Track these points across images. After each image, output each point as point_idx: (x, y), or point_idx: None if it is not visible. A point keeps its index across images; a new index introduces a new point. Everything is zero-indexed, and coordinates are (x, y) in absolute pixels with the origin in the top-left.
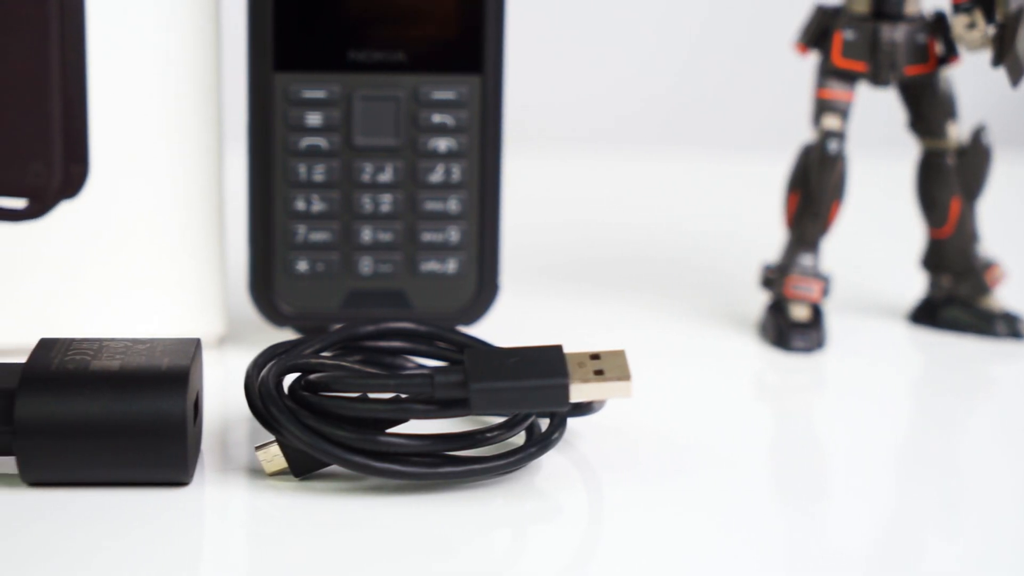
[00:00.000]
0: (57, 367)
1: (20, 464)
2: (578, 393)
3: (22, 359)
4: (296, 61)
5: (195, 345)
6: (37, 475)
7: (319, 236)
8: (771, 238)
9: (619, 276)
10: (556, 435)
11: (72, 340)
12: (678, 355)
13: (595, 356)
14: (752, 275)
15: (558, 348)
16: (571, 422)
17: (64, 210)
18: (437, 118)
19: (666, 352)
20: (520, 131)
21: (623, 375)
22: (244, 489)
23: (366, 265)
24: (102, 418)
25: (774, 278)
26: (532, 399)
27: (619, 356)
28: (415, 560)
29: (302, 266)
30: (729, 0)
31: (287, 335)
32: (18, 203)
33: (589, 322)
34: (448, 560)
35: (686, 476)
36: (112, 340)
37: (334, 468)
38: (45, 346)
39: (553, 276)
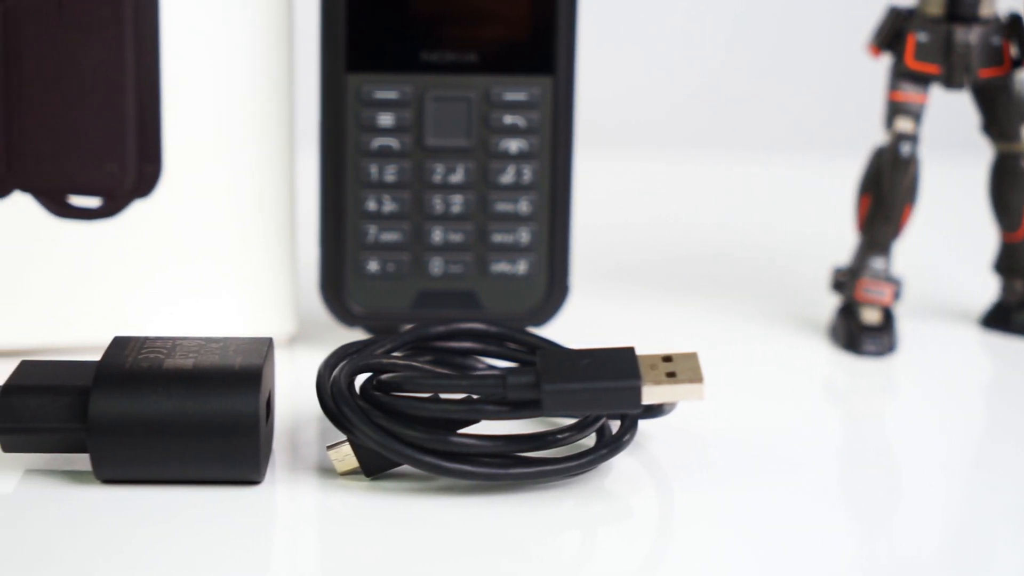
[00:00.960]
0: (131, 365)
1: (94, 461)
2: (650, 395)
3: (96, 357)
4: (368, 62)
5: (268, 344)
6: (110, 472)
7: (390, 236)
8: (842, 241)
9: (688, 278)
10: (627, 437)
11: (146, 339)
12: (748, 358)
13: (667, 358)
14: (823, 278)
15: (630, 350)
16: (641, 424)
17: (137, 209)
18: (509, 119)
19: (736, 354)
20: (590, 132)
21: (695, 377)
22: (315, 488)
23: (436, 266)
24: (175, 416)
25: (845, 281)
26: (604, 401)
27: (691, 358)
28: (485, 560)
29: (373, 266)
30: (806, 1)
31: (357, 335)
32: (92, 202)
33: (659, 324)
34: (518, 561)
35: (756, 480)
36: (185, 339)
37: (405, 468)
38: (119, 344)
39: (623, 278)
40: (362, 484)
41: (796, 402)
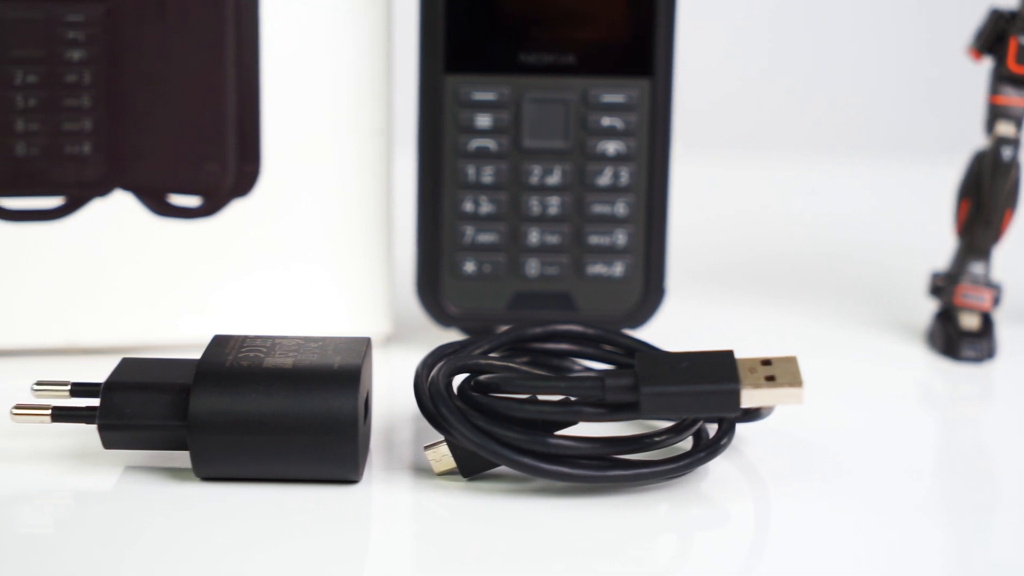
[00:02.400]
0: (231, 364)
1: (193, 458)
2: (749, 399)
3: (196, 355)
4: (467, 63)
5: (366, 344)
6: (210, 470)
7: (486, 237)
8: (941, 245)
9: (785, 282)
10: (725, 441)
11: (246, 337)
12: (845, 362)
13: (766, 362)
14: (921, 283)
15: (729, 353)
16: (738, 428)
17: (236, 209)
18: (606, 121)
19: (833, 359)
20: (687, 134)
21: (795, 382)
22: (412, 488)
23: (533, 267)
24: (275, 415)
25: (944, 286)
26: (703, 404)
27: (791, 362)
28: (581, 562)
29: (469, 267)
30: (897, 3)
31: (453, 336)
32: (192, 201)
33: (755, 328)
34: (614, 564)
35: (853, 485)
36: (284, 338)
37: (502, 469)
38: (219, 343)
39: (719, 281)
40: (459, 484)
41: (893, 408)
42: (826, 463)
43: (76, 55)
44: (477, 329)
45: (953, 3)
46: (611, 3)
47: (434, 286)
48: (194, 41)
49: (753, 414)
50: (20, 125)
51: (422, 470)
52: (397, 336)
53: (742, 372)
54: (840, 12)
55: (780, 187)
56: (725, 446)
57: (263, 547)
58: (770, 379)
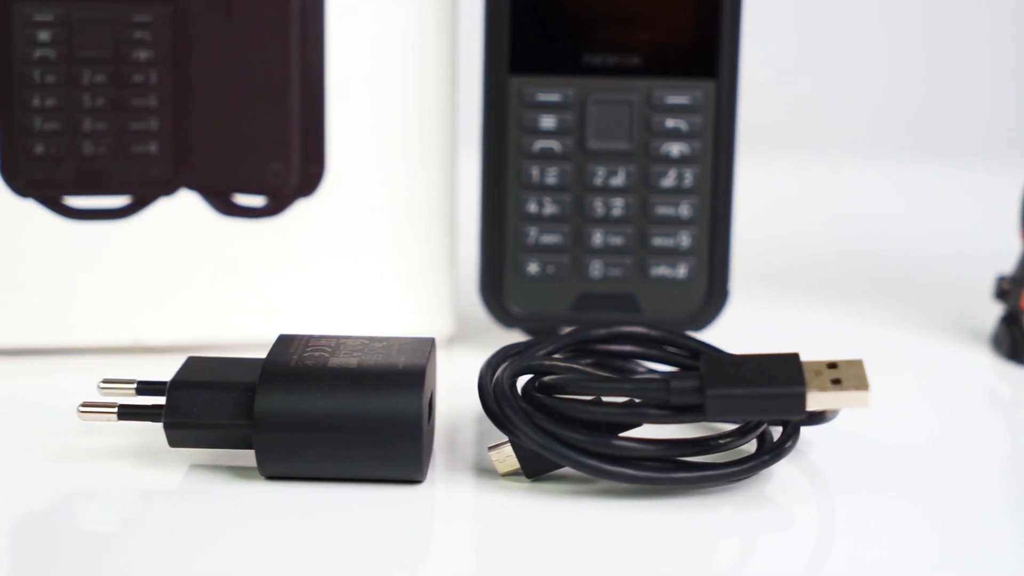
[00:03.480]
0: (296, 363)
1: (259, 457)
2: (815, 402)
3: (259, 354)
4: (531, 64)
5: (430, 344)
6: (275, 469)
7: (550, 238)
8: (1007, 249)
9: (849, 285)
10: (789, 443)
11: (310, 337)
12: (910, 366)
13: (832, 365)
14: (986, 286)
15: (795, 356)
16: (802, 431)
17: (301, 209)
18: (671, 122)
19: (897, 362)
20: (751, 136)
21: (861, 385)
22: (476, 489)
23: (596, 268)
24: (339, 415)
25: (1009, 290)
26: (768, 406)
27: (857, 366)
28: (643, 564)
29: (533, 268)
30: (970, 4)
31: (515, 336)
32: (257, 201)
33: (818, 330)
34: (676, 566)
35: (918, 490)
36: (349, 338)
37: (566, 470)
38: (284, 342)
39: (782, 283)
40: (523, 485)
41: (959, 412)
42: (891, 467)
43: (143, 55)
44: (540, 330)
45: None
46: (676, 4)
47: (497, 287)
48: (260, 41)
49: (818, 417)
50: (88, 124)
51: (485, 471)
52: (460, 336)
53: (808, 375)
54: (910, 12)
55: (845, 189)
56: (790, 449)
57: (326, 546)
58: (836, 382)
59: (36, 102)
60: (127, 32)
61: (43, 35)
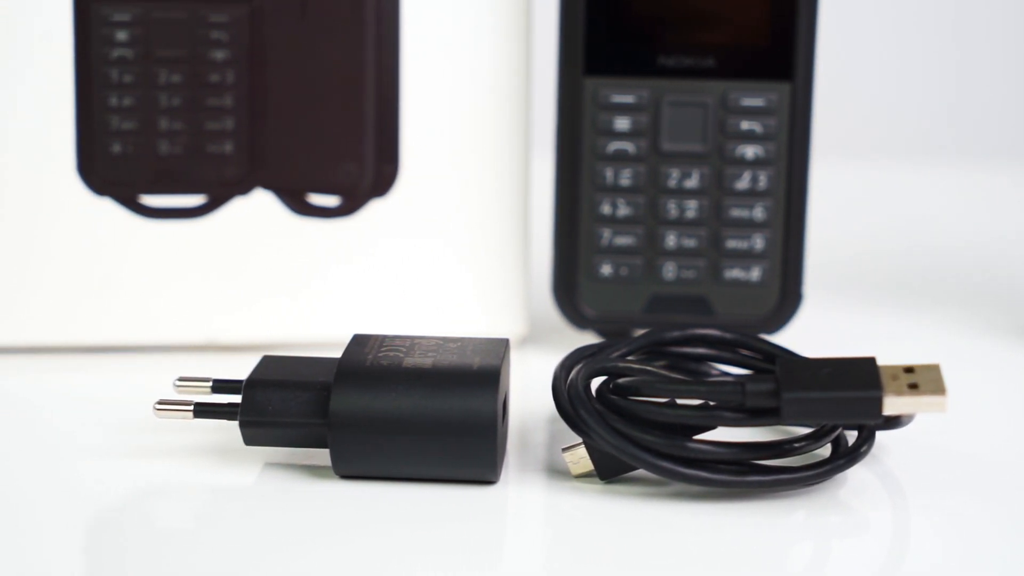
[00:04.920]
0: (371, 363)
1: (333, 457)
2: (891, 406)
3: (332, 354)
4: (606, 66)
5: (505, 345)
6: (349, 468)
7: (624, 240)
8: None
9: (921, 289)
10: (865, 448)
11: (385, 337)
12: (985, 371)
13: (909, 369)
14: None
15: (871, 360)
16: (877, 435)
17: (374, 209)
18: (745, 125)
19: (974, 367)
20: (826, 138)
21: (938, 390)
22: (549, 490)
23: (669, 270)
24: (414, 415)
25: None
26: (844, 411)
27: (934, 370)
28: (716, 568)
29: (606, 270)
30: None
31: (587, 338)
32: (331, 201)
33: (892, 334)
34: (749, 571)
35: (993, 496)
36: (423, 338)
37: (639, 472)
38: (359, 342)
39: (855, 287)
40: (596, 487)
41: None
42: (967, 473)
43: (219, 55)
44: (612, 332)
45: None
46: (752, 6)
47: (570, 288)
48: (335, 41)
49: (893, 422)
50: (164, 124)
51: (557, 472)
52: (532, 337)
53: (884, 379)
54: (989, 13)
55: (919, 192)
56: (865, 453)
57: (399, 546)
58: (913, 387)
59: (113, 101)
60: (204, 32)
61: (121, 35)
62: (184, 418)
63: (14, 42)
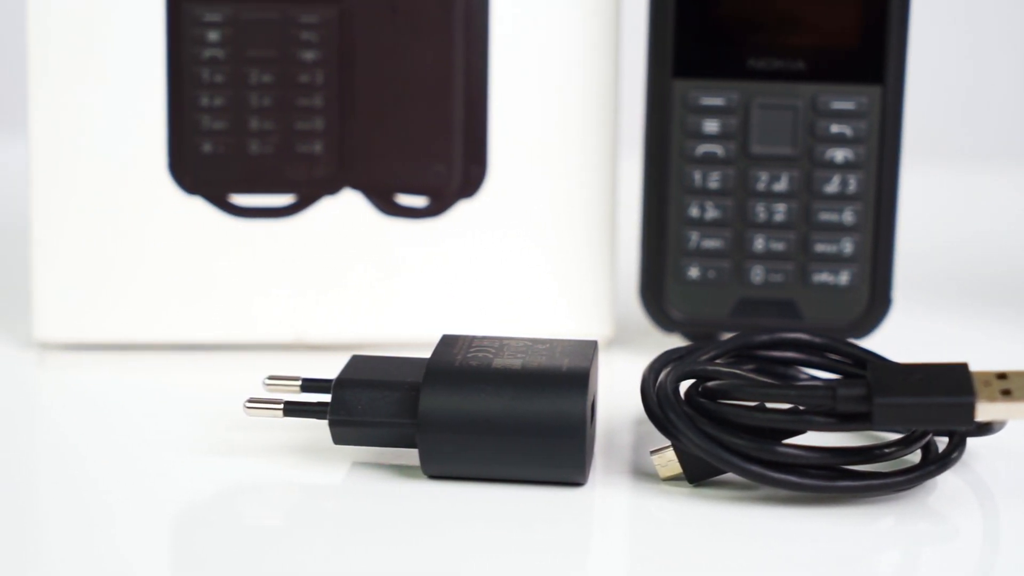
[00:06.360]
0: (460, 363)
1: (422, 457)
2: (984, 412)
3: (420, 354)
4: (695, 68)
5: (593, 347)
6: (437, 468)
7: (711, 243)
8: None
9: (1014, 294)
10: (956, 454)
11: (474, 337)
12: None
13: (1002, 375)
14: None
15: (964, 366)
16: (968, 442)
17: (462, 209)
18: (835, 128)
19: None
20: (917, 142)
21: None
22: (637, 492)
23: (757, 274)
24: (503, 416)
25: None
26: (936, 416)
27: None
28: (804, 573)
29: (693, 272)
30: None
31: (674, 341)
32: (419, 201)
33: (982, 340)
34: None
35: None
36: (512, 339)
37: (728, 475)
38: (448, 343)
39: (946, 291)
40: (684, 490)
41: None
42: None
43: (309, 56)
44: (700, 335)
45: None
46: (842, 9)
47: (658, 291)
48: (424, 42)
49: (985, 428)
50: (254, 124)
51: (644, 474)
52: (618, 340)
53: (977, 385)
54: None
55: (1011, 196)
56: (956, 460)
57: (486, 546)
58: (1006, 393)
59: (204, 101)
60: (294, 33)
61: (212, 35)
62: (274, 416)
63: (106, 42)
